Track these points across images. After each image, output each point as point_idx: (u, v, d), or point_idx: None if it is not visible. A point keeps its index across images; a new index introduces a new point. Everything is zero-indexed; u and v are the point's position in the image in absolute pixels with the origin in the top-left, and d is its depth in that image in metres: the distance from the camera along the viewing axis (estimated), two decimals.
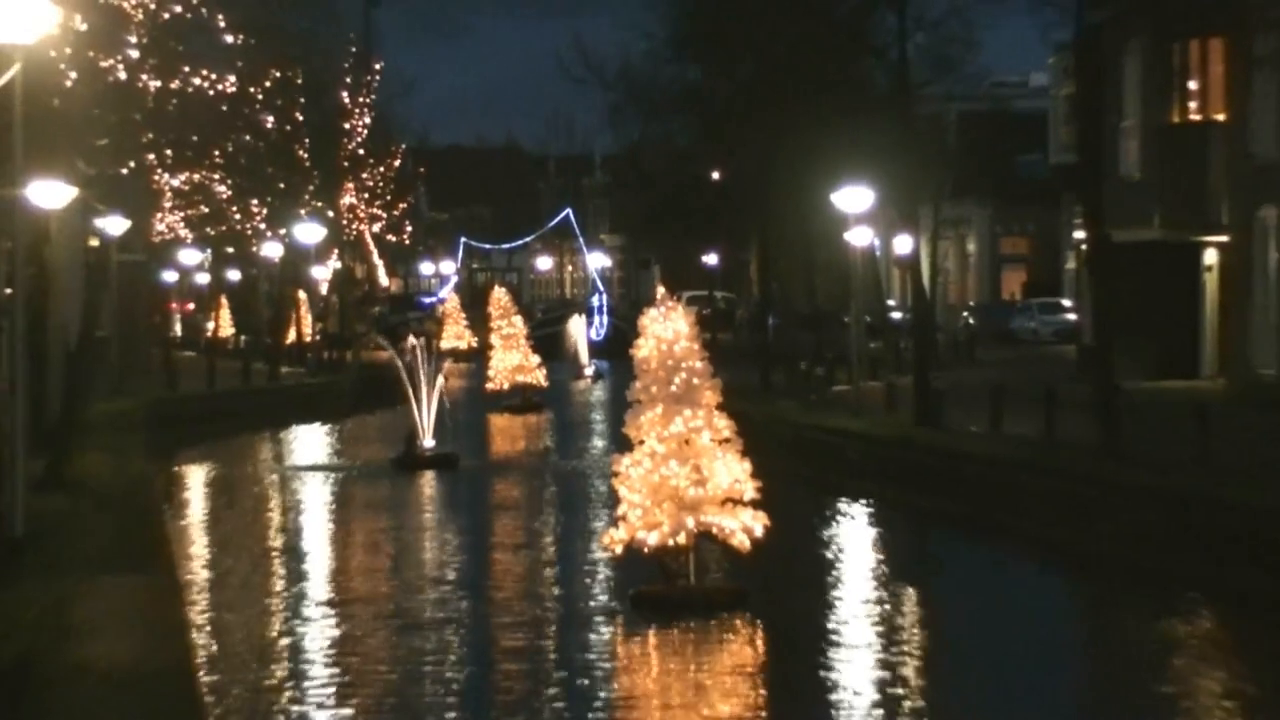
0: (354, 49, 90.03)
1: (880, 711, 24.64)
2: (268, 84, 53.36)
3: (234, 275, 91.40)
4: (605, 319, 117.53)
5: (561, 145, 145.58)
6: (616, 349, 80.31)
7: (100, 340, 47.28)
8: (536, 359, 79.92)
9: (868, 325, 67.57)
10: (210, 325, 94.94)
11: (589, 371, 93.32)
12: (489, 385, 77.13)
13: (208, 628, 28.68)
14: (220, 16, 41.74)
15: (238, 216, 65.97)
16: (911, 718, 24.37)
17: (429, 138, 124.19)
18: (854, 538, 40.06)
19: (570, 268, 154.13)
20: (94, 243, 50.01)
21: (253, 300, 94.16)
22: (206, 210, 55.63)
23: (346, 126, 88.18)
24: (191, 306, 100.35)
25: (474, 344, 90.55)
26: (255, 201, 69.33)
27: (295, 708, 24.77)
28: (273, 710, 24.45)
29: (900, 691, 25.54)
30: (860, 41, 61.83)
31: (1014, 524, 38.14)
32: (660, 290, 38.88)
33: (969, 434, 45.19)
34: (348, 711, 25.14)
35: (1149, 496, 34.33)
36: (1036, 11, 51.27)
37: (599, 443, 58.13)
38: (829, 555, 37.41)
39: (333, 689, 26.37)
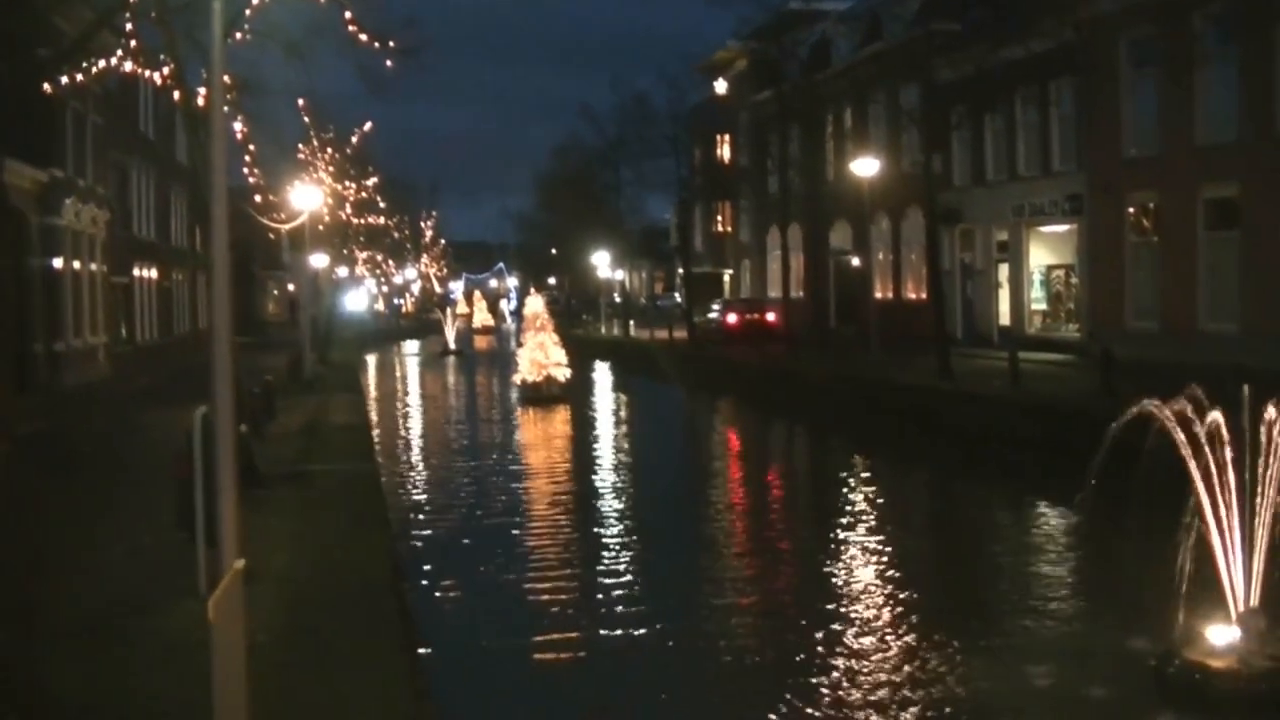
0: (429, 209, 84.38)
1: (620, 428, 25.24)
2: (395, 219, 53.32)
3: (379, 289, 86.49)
4: (515, 301, 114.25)
5: (501, 240, 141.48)
6: (520, 312, 79.77)
7: (335, 310, 46.58)
8: (491, 318, 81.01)
9: (606, 305, 67.48)
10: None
11: (508, 320, 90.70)
12: (473, 325, 76.74)
13: (374, 410, 27.79)
14: (379, 198, 41.84)
15: (383, 266, 65.78)
16: (637, 436, 24.18)
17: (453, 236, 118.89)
18: (584, 379, 36.72)
19: (503, 285, 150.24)
20: (334, 278, 49.13)
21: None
22: (371, 264, 56.22)
23: (425, 236, 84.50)
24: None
25: (469, 311, 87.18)
26: (392, 262, 68.84)
27: (403, 432, 24.75)
28: (396, 436, 23.94)
29: (626, 430, 25.40)
30: (603, 204, 56.98)
31: (664, 371, 36.37)
32: (534, 292, 38.60)
33: (646, 337, 44.48)
34: (421, 427, 25.32)
35: (716, 361, 33.51)
36: (667, 193, 50.82)
37: (512, 344, 54.42)
38: (589, 384, 35.53)
39: (415, 422, 26.62)
